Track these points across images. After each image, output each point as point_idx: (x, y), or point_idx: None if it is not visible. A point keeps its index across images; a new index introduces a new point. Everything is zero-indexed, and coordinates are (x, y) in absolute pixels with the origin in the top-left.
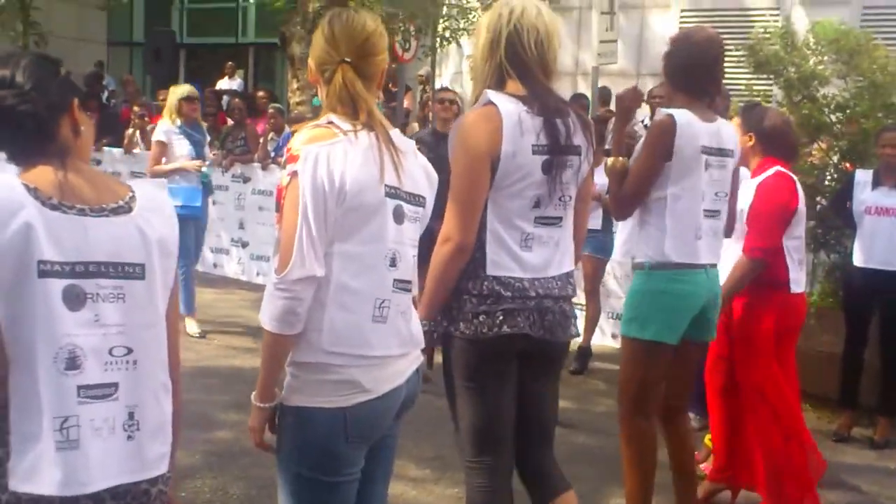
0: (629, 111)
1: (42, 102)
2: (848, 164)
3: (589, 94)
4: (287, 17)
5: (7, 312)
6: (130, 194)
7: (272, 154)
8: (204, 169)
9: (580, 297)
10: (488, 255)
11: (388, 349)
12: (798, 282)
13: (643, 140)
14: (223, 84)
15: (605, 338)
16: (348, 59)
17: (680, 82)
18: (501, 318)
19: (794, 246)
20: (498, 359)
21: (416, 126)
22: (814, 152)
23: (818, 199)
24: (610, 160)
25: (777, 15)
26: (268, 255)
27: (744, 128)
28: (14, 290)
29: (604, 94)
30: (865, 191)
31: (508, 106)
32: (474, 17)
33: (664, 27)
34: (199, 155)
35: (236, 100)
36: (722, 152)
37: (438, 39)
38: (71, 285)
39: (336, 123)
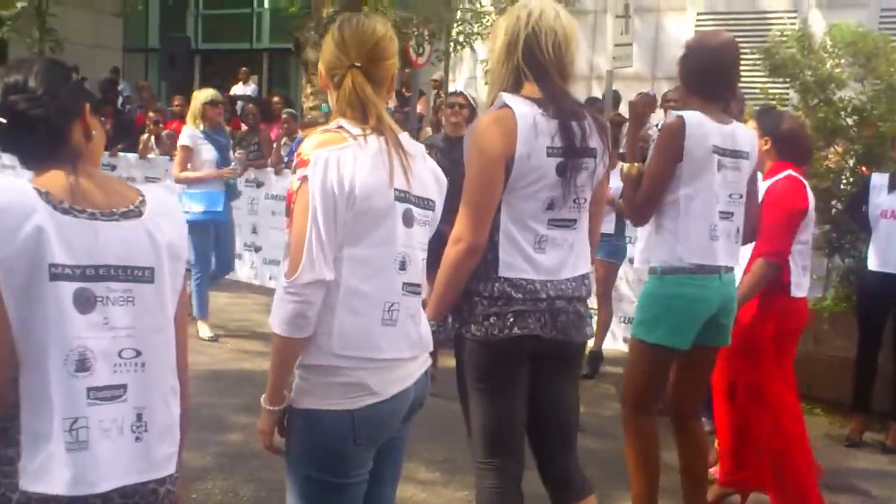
0: (642, 116)
1: (54, 107)
2: (864, 168)
3: (604, 98)
4: (301, 22)
5: (19, 315)
6: (141, 198)
7: (285, 159)
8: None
9: (592, 302)
10: (501, 256)
11: (398, 352)
12: (800, 286)
13: (654, 143)
14: (238, 90)
15: (617, 342)
16: (358, 64)
17: (694, 86)
18: (512, 319)
19: (799, 250)
20: (508, 360)
21: (429, 130)
22: (830, 156)
23: (833, 202)
24: (625, 166)
25: (794, 18)
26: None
27: (759, 132)
28: (26, 292)
29: (615, 98)
30: (881, 194)
31: (524, 108)
32: (488, 21)
33: (680, 30)
34: (224, 160)
35: (250, 105)
36: (736, 154)
37: (452, 44)
38: (81, 288)
39: (346, 128)
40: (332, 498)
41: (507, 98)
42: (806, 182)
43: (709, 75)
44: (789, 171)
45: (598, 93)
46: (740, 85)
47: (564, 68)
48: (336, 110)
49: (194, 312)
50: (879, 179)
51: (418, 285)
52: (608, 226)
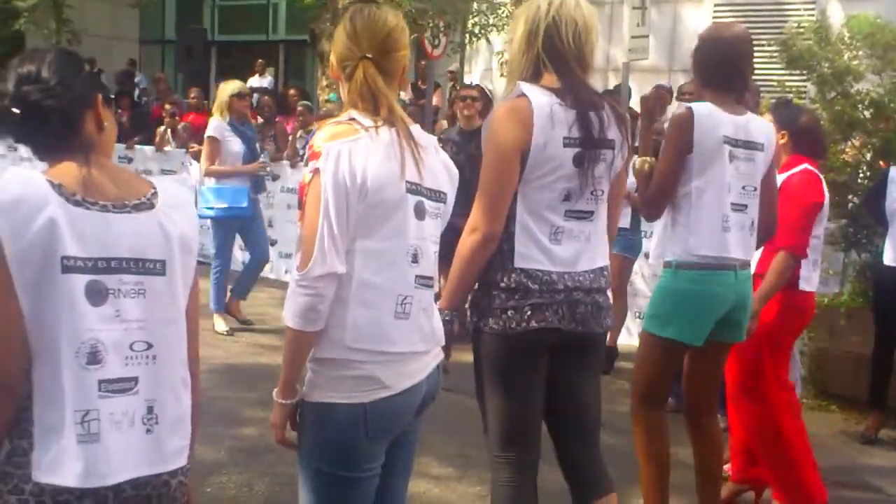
0: (653, 111)
1: (67, 97)
2: (881, 162)
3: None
4: (317, 13)
5: (31, 307)
6: (152, 190)
7: (301, 152)
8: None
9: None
10: (517, 247)
11: (411, 345)
12: (808, 280)
13: (665, 136)
14: (254, 82)
15: (632, 338)
16: (369, 55)
17: (707, 78)
18: (529, 312)
19: (811, 245)
20: (526, 354)
21: (444, 123)
22: (847, 150)
23: (850, 196)
24: (638, 160)
25: (812, 9)
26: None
27: (776, 125)
28: (38, 285)
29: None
30: None
31: (541, 98)
32: (504, 12)
33: (697, 22)
34: (251, 152)
35: (266, 97)
36: (750, 145)
37: (468, 35)
38: (93, 281)
39: (358, 119)
40: (344, 491)
41: (525, 87)
42: (821, 176)
43: (722, 67)
44: (806, 165)
45: (613, 86)
46: (757, 77)
47: (584, 58)
48: (347, 102)
49: (211, 305)
50: None
51: (431, 278)
52: (624, 220)
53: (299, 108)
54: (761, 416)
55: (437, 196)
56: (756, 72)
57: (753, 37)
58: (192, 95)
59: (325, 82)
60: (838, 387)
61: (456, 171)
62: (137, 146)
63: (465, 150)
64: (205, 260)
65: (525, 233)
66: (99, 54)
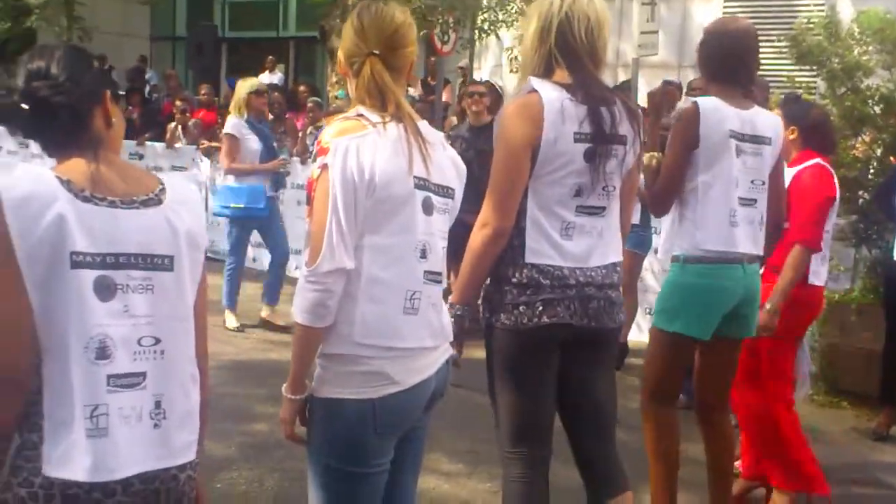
0: (660, 107)
1: (75, 94)
2: (892, 157)
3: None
4: (327, 10)
5: (40, 302)
6: (160, 186)
7: (311, 148)
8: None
9: None
10: (527, 242)
11: (420, 341)
12: (817, 274)
13: (671, 132)
14: (264, 78)
15: (643, 334)
16: (377, 52)
17: (713, 72)
18: (541, 308)
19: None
20: (538, 349)
21: (454, 119)
22: (857, 145)
23: (861, 192)
24: (645, 156)
25: (822, 5)
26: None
27: (785, 121)
28: (47, 280)
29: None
30: None
31: (551, 93)
32: (513, 8)
33: (706, 18)
34: (268, 150)
35: (276, 94)
36: (757, 139)
37: (477, 32)
38: (102, 276)
39: (365, 115)
40: (352, 487)
41: (535, 82)
42: (833, 171)
43: (728, 61)
44: (818, 160)
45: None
46: (767, 73)
47: (597, 54)
48: (355, 98)
49: (223, 302)
50: None
51: (439, 273)
52: (634, 216)
53: (309, 105)
54: (760, 405)
55: (445, 191)
56: (766, 67)
57: (763, 32)
58: (202, 92)
59: (335, 79)
60: (849, 383)
61: (464, 167)
62: (148, 143)
63: (475, 146)
64: (216, 257)
65: (536, 228)
66: (110, 51)
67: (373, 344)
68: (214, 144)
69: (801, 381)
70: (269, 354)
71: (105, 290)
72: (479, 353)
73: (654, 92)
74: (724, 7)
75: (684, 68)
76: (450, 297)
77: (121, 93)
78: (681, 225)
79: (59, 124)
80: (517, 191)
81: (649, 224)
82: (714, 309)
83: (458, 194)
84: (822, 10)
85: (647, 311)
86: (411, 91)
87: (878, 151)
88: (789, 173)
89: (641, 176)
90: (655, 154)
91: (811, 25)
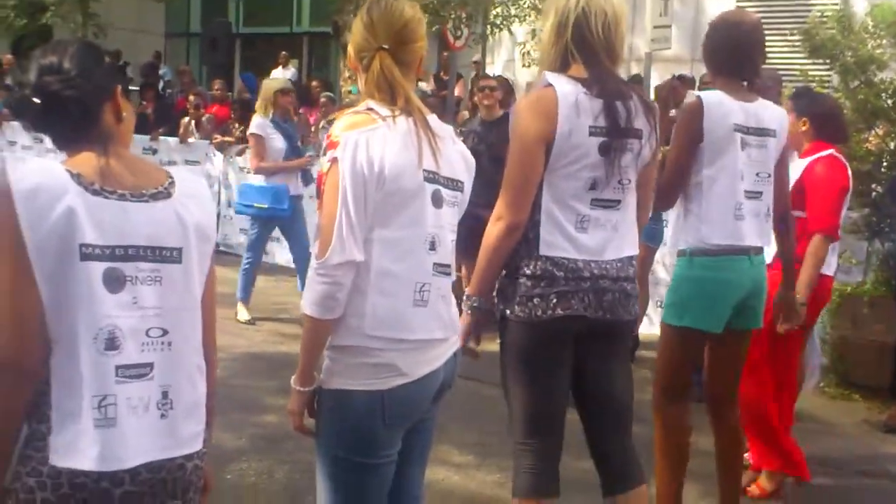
0: (666, 101)
1: (86, 88)
2: None
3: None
4: (340, 5)
5: (50, 294)
6: (170, 180)
7: (324, 143)
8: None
9: None
10: (542, 234)
11: (430, 332)
12: (828, 264)
13: (675, 126)
14: (277, 74)
15: (654, 326)
16: (386, 46)
17: (718, 65)
18: (555, 300)
19: None
20: (552, 342)
21: (466, 114)
22: (870, 138)
23: (874, 185)
24: None
25: None
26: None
27: (797, 113)
28: (57, 272)
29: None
30: None
31: (566, 87)
32: (525, 3)
33: (719, 11)
34: (293, 149)
35: None
36: (761, 132)
37: (490, 26)
38: (111, 268)
39: (375, 109)
40: (361, 478)
41: (550, 77)
42: (846, 162)
43: (733, 54)
44: (831, 151)
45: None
46: (780, 66)
47: (613, 49)
48: (365, 92)
49: (237, 294)
50: None
51: (448, 266)
52: None
53: (322, 100)
54: (751, 391)
55: (455, 185)
56: (779, 61)
57: (777, 26)
58: (215, 87)
59: (348, 74)
60: (861, 376)
61: (473, 160)
62: (162, 138)
63: (486, 140)
64: (229, 250)
65: (550, 221)
66: (125, 47)
67: (383, 336)
68: (227, 139)
69: (810, 372)
70: (280, 347)
71: (114, 282)
72: (490, 345)
73: (661, 86)
74: (738, 1)
75: (697, 62)
76: (466, 290)
77: (134, 88)
78: (686, 219)
79: (69, 118)
80: (531, 185)
81: (661, 217)
82: (723, 301)
83: (468, 187)
84: (836, 4)
85: (658, 303)
86: (424, 86)
87: (892, 145)
88: (801, 164)
89: None
90: (661, 148)
91: (824, 19)
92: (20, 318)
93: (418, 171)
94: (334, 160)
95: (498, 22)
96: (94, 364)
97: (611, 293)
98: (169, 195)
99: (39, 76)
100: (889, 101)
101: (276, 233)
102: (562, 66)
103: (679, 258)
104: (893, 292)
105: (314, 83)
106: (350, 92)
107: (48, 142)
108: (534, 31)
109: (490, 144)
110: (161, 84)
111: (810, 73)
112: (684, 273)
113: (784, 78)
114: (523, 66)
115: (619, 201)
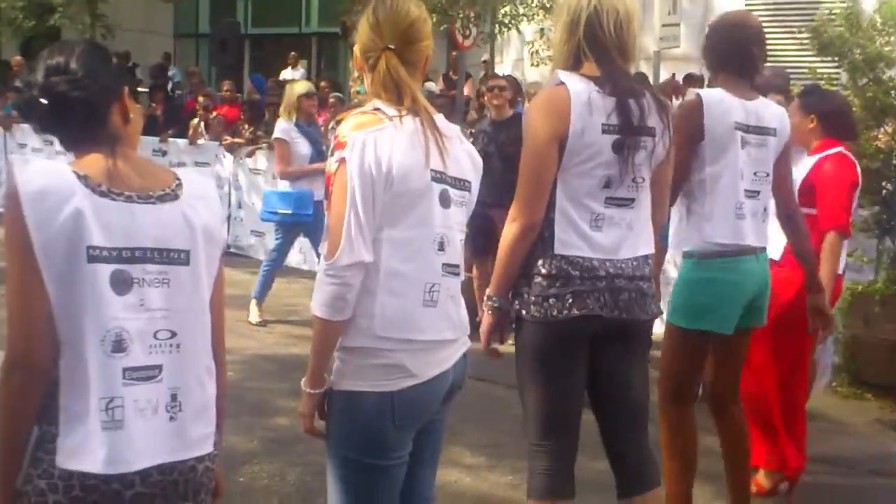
0: (668, 98)
1: (93, 89)
2: None
3: (651, 80)
4: (349, 6)
5: (58, 296)
6: (177, 181)
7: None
8: None
9: None
10: (556, 233)
11: (440, 333)
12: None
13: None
14: (286, 74)
15: (664, 326)
16: (392, 46)
17: (718, 64)
18: (571, 300)
19: None
20: (567, 342)
21: (473, 114)
22: (879, 136)
23: (884, 183)
24: None
25: None
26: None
27: (804, 110)
28: (65, 274)
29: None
30: None
31: (578, 86)
32: (534, 2)
33: (729, 9)
34: (318, 153)
35: None
36: (761, 130)
37: (498, 26)
38: (118, 270)
39: (382, 109)
40: (371, 479)
41: (563, 75)
42: (854, 160)
43: (734, 51)
44: (840, 149)
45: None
46: (788, 64)
47: (625, 47)
48: (371, 92)
49: (252, 293)
50: None
51: (457, 266)
52: None
53: (331, 101)
54: (755, 389)
55: (462, 184)
56: (787, 59)
57: (785, 23)
58: (224, 88)
59: (356, 74)
60: (873, 374)
61: (480, 160)
62: (171, 139)
63: (496, 140)
64: (239, 252)
65: (565, 219)
66: (134, 48)
67: (393, 337)
68: (237, 140)
69: (821, 372)
70: (292, 349)
71: (121, 284)
72: (503, 345)
73: (663, 84)
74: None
75: None
76: (487, 290)
77: (144, 90)
78: (689, 219)
79: (76, 119)
80: (545, 186)
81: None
82: (735, 302)
83: (475, 187)
84: (844, 1)
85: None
86: (432, 86)
87: None
88: (810, 162)
89: None
90: None
91: (833, 16)
92: (29, 318)
93: (426, 171)
94: (342, 160)
95: (506, 21)
96: (102, 366)
97: (627, 292)
98: (176, 197)
99: (46, 77)
100: None
101: None
102: (574, 65)
103: (685, 260)
104: None
105: (323, 83)
106: (359, 92)
107: (58, 144)
108: (542, 29)
109: (500, 144)
110: (170, 85)
111: (819, 70)
112: (692, 275)
113: (792, 76)
114: (532, 65)
115: (633, 199)
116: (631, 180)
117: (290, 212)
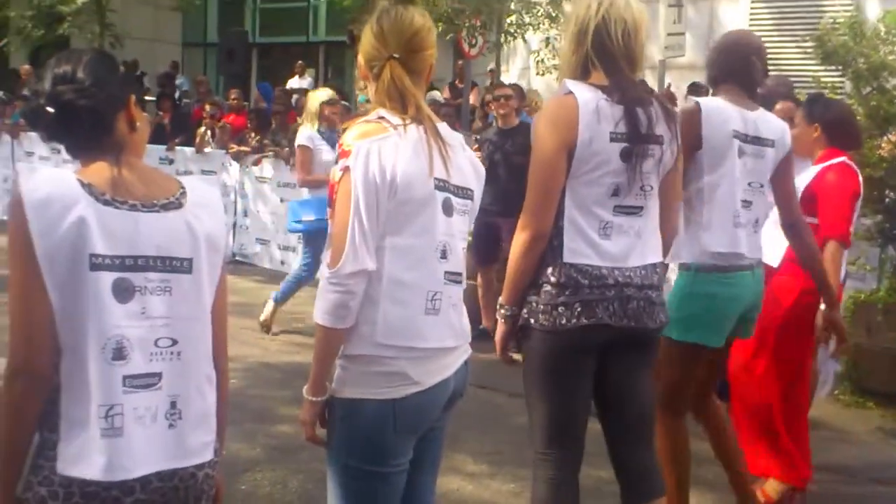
0: None
1: (100, 98)
2: None
3: (655, 88)
4: (356, 15)
5: (60, 303)
6: (181, 190)
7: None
8: None
9: None
10: (565, 242)
11: (442, 341)
12: None
13: None
14: (294, 83)
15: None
16: (396, 55)
17: (718, 75)
18: (580, 309)
19: None
20: (575, 351)
21: (479, 123)
22: (883, 145)
23: (887, 192)
24: None
25: (849, 4)
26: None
27: (808, 119)
28: (67, 282)
29: None
30: None
31: (586, 94)
32: (539, 11)
33: (733, 19)
34: None
35: (304, 99)
36: (759, 141)
37: (504, 35)
38: (120, 278)
39: (386, 118)
40: (372, 487)
41: (571, 84)
42: (857, 169)
43: (735, 63)
44: (843, 159)
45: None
46: (792, 73)
47: (633, 57)
48: (375, 101)
49: (273, 294)
50: None
51: (460, 274)
52: None
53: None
54: (756, 399)
55: (465, 193)
56: (791, 67)
57: (789, 32)
58: (232, 97)
59: (363, 83)
60: (875, 383)
61: (482, 168)
62: (178, 148)
63: (502, 148)
64: (244, 260)
65: (573, 227)
66: (141, 57)
67: (395, 344)
68: (244, 149)
69: (823, 380)
70: (295, 357)
71: (123, 292)
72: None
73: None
74: (752, 7)
75: None
76: (499, 299)
77: (151, 99)
78: (686, 229)
79: (82, 128)
80: (553, 195)
81: None
82: (729, 316)
83: (478, 195)
84: (848, 10)
85: None
86: (438, 95)
87: None
88: (813, 171)
89: None
90: None
91: (837, 25)
92: (31, 324)
93: (429, 180)
94: (346, 169)
95: (512, 30)
96: (102, 373)
97: (635, 301)
98: (180, 205)
99: (53, 85)
100: None
101: (292, 242)
102: (582, 74)
103: (682, 272)
104: None
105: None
106: (361, 101)
107: (65, 153)
108: (548, 39)
109: (506, 153)
110: (178, 94)
111: (823, 79)
112: (689, 289)
113: (796, 84)
114: (538, 74)
115: (641, 207)
116: (639, 188)
117: (313, 217)
